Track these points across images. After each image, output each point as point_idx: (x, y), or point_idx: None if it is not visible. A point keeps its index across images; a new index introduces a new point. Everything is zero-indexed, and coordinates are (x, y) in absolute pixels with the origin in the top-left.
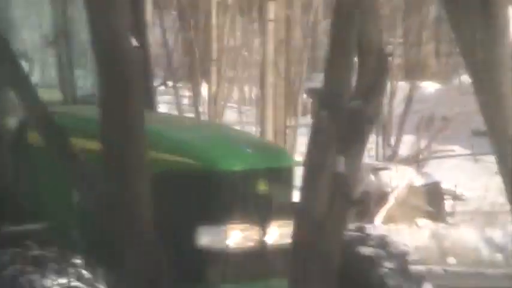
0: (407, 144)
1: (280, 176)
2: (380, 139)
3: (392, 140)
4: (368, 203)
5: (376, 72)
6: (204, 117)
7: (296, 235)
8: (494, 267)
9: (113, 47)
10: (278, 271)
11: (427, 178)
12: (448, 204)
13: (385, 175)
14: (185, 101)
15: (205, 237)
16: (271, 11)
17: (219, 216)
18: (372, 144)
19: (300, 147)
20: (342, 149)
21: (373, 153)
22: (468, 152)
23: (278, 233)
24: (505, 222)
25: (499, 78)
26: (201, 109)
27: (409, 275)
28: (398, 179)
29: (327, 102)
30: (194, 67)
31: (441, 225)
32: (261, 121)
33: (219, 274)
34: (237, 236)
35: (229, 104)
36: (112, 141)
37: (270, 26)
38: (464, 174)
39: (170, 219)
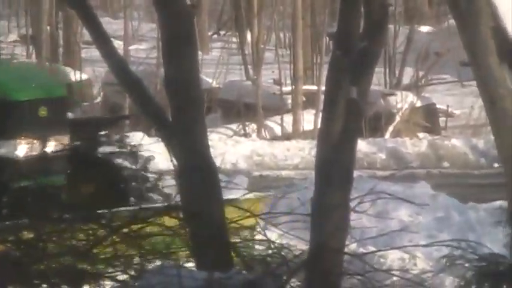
0: (408, 74)
1: (56, 103)
2: (387, 71)
3: (397, 72)
4: (379, 122)
5: (378, 18)
6: (249, 59)
7: (319, 150)
8: (479, 169)
9: (171, 5)
10: (56, 170)
11: (425, 100)
12: (441, 120)
13: (392, 99)
14: (233, 46)
15: (1, 149)
16: None
17: (10, 133)
18: (381, 75)
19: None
20: (353, 80)
21: (382, 82)
22: (456, 79)
23: (54, 144)
24: (486, 133)
25: (478, 21)
26: (246, 52)
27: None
28: (402, 102)
29: (341, 43)
30: (240, 19)
31: (437, 137)
32: (294, 60)
33: (12, 174)
34: (24, 147)
35: (267, 47)
36: (174, 80)
37: None
38: (454, 96)
39: None
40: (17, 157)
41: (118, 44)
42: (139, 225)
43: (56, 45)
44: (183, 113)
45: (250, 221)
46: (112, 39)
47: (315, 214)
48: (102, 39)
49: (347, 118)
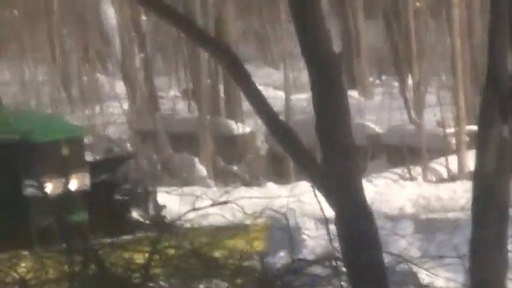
0: None
1: (76, 143)
2: None
3: None
4: None
5: None
6: (410, 103)
7: (474, 190)
8: None
9: (318, 53)
10: (78, 207)
11: None
12: None
13: None
14: (395, 90)
15: (30, 188)
16: (456, 14)
17: (37, 172)
18: None
19: None
20: (505, 119)
21: None
22: None
23: (76, 182)
24: None
25: None
26: (407, 95)
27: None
28: None
29: (491, 81)
30: (400, 63)
31: None
32: (456, 101)
33: (41, 211)
34: (50, 185)
35: (429, 90)
36: (324, 127)
37: (456, 26)
38: None
39: (8, 176)
40: (45, 195)
41: (279, 94)
42: (294, 276)
43: (217, 99)
44: (336, 159)
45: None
46: (273, 88)
47: (472, 255)
48: (251, 91)
49: (500, 157)
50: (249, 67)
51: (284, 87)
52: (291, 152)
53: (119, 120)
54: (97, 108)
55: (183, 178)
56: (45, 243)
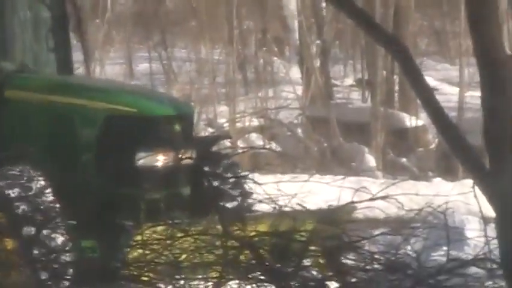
0: None
1: (187, 119)
2: None
3: None
4: None
5: None
6: None
7: None
8: None
9: (492, 55)
10: (185, 181)
11: None
12: None
13: None
14: None
15: (142, 160)
16: None
17: (150, 145)
18: None
19: None
20: None
21: None
22: None
23: (184, 157)
24: None
25: None
26: None
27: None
28: None
29: None
30: None
31: None
32: None
33: (150, 184)
34: (161, 158)
35: None
36: (491, 127)
37: None
38: None
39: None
40: (155, 167)
41: (454, 90)
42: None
43: (391, 90)
44: (503, 161)
45: None
46: (448, 84)
47: None
48: (421, 87)
49: None
50: (426, 61)
51: (459, 83)
52: (455, 151)
53: (292, 106)
54: (270, 92)
55: (351, 168)
56: (152, 215)
